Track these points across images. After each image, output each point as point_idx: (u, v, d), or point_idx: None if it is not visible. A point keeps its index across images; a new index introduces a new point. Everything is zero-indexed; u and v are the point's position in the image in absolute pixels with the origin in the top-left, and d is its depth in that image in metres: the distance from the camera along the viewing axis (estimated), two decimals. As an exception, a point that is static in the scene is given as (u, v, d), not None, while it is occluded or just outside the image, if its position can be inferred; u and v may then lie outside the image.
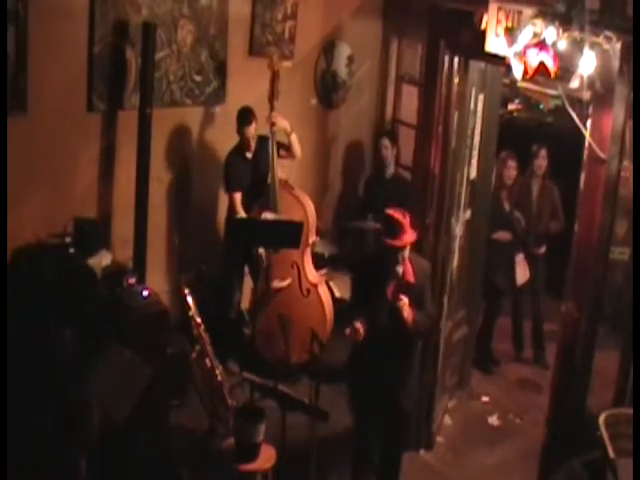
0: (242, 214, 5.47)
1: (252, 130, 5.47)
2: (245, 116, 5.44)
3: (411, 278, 4.12)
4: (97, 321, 3.82)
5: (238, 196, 5.49)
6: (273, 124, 5.41)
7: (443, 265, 5.13)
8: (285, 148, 5.59)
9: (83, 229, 4.85)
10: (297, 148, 5.63)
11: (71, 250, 4.69)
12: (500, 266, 6.16)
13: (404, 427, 4.44)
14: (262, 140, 5.57)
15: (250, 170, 5.59)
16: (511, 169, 6.14)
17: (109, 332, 4.05)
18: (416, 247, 5.20)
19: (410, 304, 4.05)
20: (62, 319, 2.98)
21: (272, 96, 5.43)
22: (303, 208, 5.59)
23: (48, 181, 4.94)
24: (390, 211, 4.08)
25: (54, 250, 3.47)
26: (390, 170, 6.24)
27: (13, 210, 4.51)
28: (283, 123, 5.50)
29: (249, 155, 5.59)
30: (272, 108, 5.44)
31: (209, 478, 4.59)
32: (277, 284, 5.58)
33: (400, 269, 4.05)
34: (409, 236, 4.03)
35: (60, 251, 3.67)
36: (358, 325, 4.02)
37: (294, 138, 5.59)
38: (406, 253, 4.05)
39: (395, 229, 3.99)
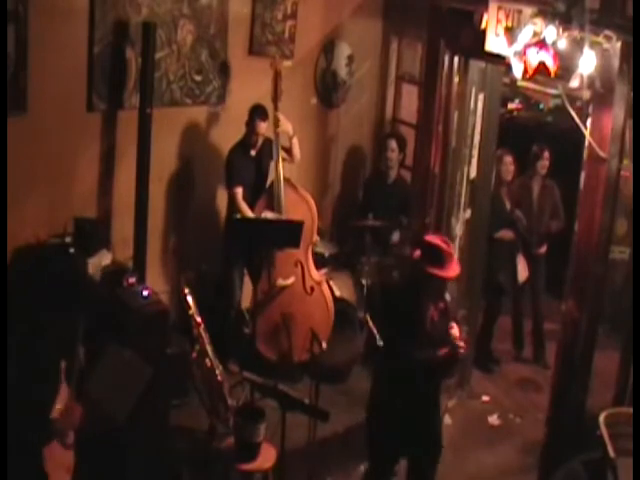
0: (244, 209, 5.47)
1: (264, 127, 5.47)
2: (260, 111, 5.42)
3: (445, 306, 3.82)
4: (94, 322, 3.83)
5: (239, 191, 5.49)
6: (277, 124, 5.41)
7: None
8: (285, 151, 5.60)
9: (83, 229, 4.84)
10: (297, 152, 5.64)
11: (71, 250, 4.69)
12: (502, 265, 6.16)
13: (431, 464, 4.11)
14: (266, 140, 5.57)
15: (252, 168, 5.59)
16: (508, 165, 6.14)
17: (109, 332, 4.06)
18: None
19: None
20: (51, 319, 2.98)
21: (275, 96, 5.43)
22: (307, 206, 5.59)
23: (48, 181, 4.94)
24: (432, 238, 3.68)
25: (47, 251, 3.46)
26: (393, 173, 6.22)
27: (13, 210, 4.51)
28: (287, 125, 5.51)
29: (253, 153, 5.58)
30: (275, 108, 5.44)
31: (209, 478, 4.59)
32: (281, 282, 5.59)
33: (443, 304, 3.71)
34: (457, 266, 3.65)
35: (51, 251, 3.65)
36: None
37: (295, 142, 5.59)
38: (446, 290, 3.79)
39: (442, 258, 3.56)
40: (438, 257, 3.55)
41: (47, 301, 3.01)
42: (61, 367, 3.14)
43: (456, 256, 3.76)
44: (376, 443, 4.00)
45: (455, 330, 3.65)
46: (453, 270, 3.59)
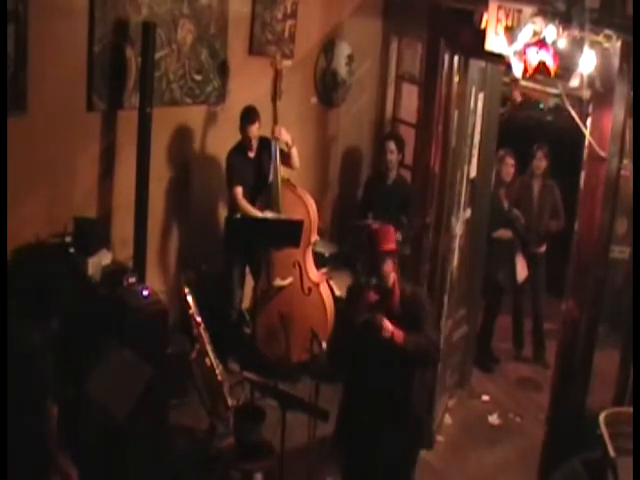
0: (246, 207, 5.47)
1: (255, 130, 5.47)
2: (248, 115, 5.44)
3: (396, 304, 3.77)
4: (86, 322, 3.83)
5: (239, 190, 5.49)
6: (277, 138, 5.43)
7: (443, 264, 5.13)
8: (284, 157, 5.59)
9: (83, 229, 4.84)
10: (296, 160, 5.64)
11: (71, 250, 4.69)
12: (502, 264, 6.17)
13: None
14: (264, 141, 5.57)
15: (251, 169, 5.59)
16: (509, 166, 6.15)
17: (109, 332, 4.07)
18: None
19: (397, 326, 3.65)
20: (35, 319, 2.98)
21: (275, 96, 5.44)
22: (305, 207, 5.60)
23: (48, 181, 4.94)
24: (372, 224, 3.96)
25: (47, 250, 3.46)
26: (392, 174, 6.22)
27: (13, 210, 4.51)
28: (286, 137, 5.51)
29: (251, 155, 5.59)
30: (275, 108, 5.44)
31: (209, 478, 4.59)
32: (279, 282, 5.59)
33: (375, 280, 3.73)
34: (388, 244, 3.78)
35: (51, 251, 3.66)
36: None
37: (294, 152, 5.59)
38: (387, 267, 3.75)
39: (372, 239, 3.81)
40: (373, 237, 3.81)
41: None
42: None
43: (394, 239, 3.87)
44: (345, 443, 3.99)
45: (379, 316, 3.64)
46: (380, 246, 3.76)
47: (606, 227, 4.24)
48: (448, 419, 5.51)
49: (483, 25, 4.30)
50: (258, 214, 5.46)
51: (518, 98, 7.13)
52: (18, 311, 2.95)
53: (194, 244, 5.84)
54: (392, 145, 6.17)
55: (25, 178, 4.73)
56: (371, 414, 3.79)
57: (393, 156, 6.17)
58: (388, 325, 3.61)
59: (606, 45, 3.85)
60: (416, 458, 4.01)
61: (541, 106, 7.58)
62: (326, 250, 6.18)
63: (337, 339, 4.02)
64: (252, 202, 5.55)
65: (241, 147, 5.57)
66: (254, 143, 5.54)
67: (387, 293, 3.78)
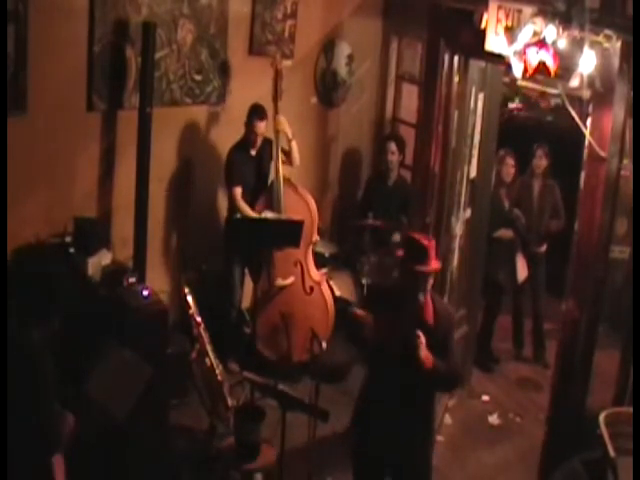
0: (244, 208, 5.47)
1: (262, 127, 5.47)
2: (257, 112, 5.43)
3: (430, 319, 3.64)
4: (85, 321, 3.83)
5: (239, 190, 5.49)
6: (277, 123, 5.41)
7: (443, 264, 5.13)
8: (285, 154, 5.59)
9: (83, 229, 4.84)
10: (296, 156, 5.63)
11: (71, 250, 4.69)
12: (502, 264, 6.17)
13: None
14: (266, 141, 5.57)
15: (252, 168, 5.59)
16: (509, 167, 6.16)
17: (109, 332, 4.07)
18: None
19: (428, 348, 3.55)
20: (36, 319, 2.98)
21: (275, 96, 5.44)
22: (307, 206, 5.60)
23: (48, 181, 4.94)
24: (415, 235, 3.71)
25: (47, 250, 3.46)
26: (393, 175, 6.23)
27: (13, 210, 4.51)
28: (286, 127, 5.51)
29: (253, 152, 5.59)
30: (276, 107, 5.44)
31: (209, 478, 4.59)
32: (280, 282, 5.59)
33: (422, 297, 3.60)
34: (435, 263, 3.64)
35: (51, 251, 3.65)
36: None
37: (294, 146, 5.59)
38: (429, 285, 3.62)
39: (422, 254, 3.58)
40: (418, 252, 3.60)
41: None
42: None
43: (436, 254, 3.69)
44: (359, 456, 3.92)
45: (422, 339, 3.54)
46: (428, 265, 3.59)
47: (606, 227, 4.24)
48: (448, 419, 5.51)
49: (483, 25, 4.30)
50: (255, 216, 5.46)
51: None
52: (18, 311, 2.95)
53: (194, 244, 5.84)
54: (393, 146, 6.17)
55: (25, 178, 4.73)
56: (390, 404, 3.67)
57: (394, 157, 6.18)
58: (424, 347, 3.52)
59: (606, 45, 3.85)
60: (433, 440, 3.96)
61: (540, 106, 7.58)
62: (326, 250, 6.18)
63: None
64: (253, 201, 5.55)
65: (243, 144, 5.56)
66: (259, 140, 5.53)
67: (421, 307, 3.64)
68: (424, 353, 3.51)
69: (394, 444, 3.72)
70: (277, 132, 5.47)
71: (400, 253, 3.73)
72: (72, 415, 3.15)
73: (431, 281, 3.63)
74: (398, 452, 3.75)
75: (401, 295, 3.66)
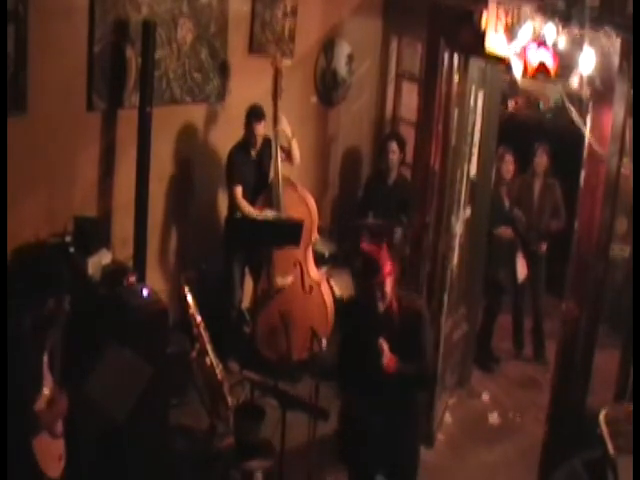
0: (245, 206, 5.47)
1: (261, 128, 5.47)
2: (256, 112, 5.44)
3: (395, 319, 3.71)
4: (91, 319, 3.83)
5: (239, 190, 5.50)
6: (277, 122, 5.41)
7: (443, 263, 5.13)
8: (285, 153, 5.60)
9: (83, 228, 4.83)
10: (297, 154, 5.64)
11: (71, 249, 4.69)
12: (502, 263, 6.17)
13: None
14: (266, 140, 5.57)
15: (253, 168, 5.60)
16: (509, 163, 6.15)
17: (109, 332, 4.06)
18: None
19: (393, 349, 3.61)
20: (27, 302, 3.00)
21: (275, 95, 5.43)
22: (307, 205, 5.60)
23: (48, 181, 4.94)
24: (364, 248, 3.79)
25: (47, 250, 3.47)
26: (394, 174, 6.23)
27: (13, 210, 4.51)
28: (286, 126, 5.51)
29: (253, 153, 5.59)
30: (275, 107, 5.44)
31: (209, 478, 4.59)
32: (280, 281, 5.59)
33: (382, 306, 3.67)
34: (387, 267, 3.65)
35: (51, 251, 3.67)
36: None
37: (295, 144, 5.60)
38: (387, 290, 3.66)
39: (371, 266, 3.64)
40: (367, 266, 3.65)
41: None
42: (43, 359, 3.14)
43: (388, 258, 3.69)
44: (348, 454, 3.99)
45: (381, 344, 3.60)
46: (378, 277, 3.63)
47: (606, 226, 4.24)
48: (448, 418, 5.51)
49: (483, 24, 4.30)
50: (257, 214, 5.46)
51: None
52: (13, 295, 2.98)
53: (194, 244, 5.84)
54: (394, 145, 6.17)
55: (25, 178, 4.73)
56: (369, 403, 3.78)
57: (395, 156, 6.18)
58: (387, 354, 3.59)
59: (606, 43, 3.84)
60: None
61: (541, 105, 7.58)
62: (326, 250, 6.18)
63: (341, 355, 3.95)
64: (253, 201, 5.55)
65: (243, 145, 5.57)
66: (259, 141, 5.54)
67: (387, 309, 3.71)
68: (386, 360, 3.59)
69: (379, 441, 3.79)
70: (277, 131, 5.47)
71: (357, 266, 3.78)
72: (65, 397, 3.17)
73: (389, 285, 3.66)
74: (384, 449, 3.81)
75: (362, 306, 3.73)
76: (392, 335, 3.65)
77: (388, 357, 3.59)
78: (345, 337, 3.94)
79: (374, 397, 3.74)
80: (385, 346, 3.60)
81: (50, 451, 3.16)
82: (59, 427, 3.21)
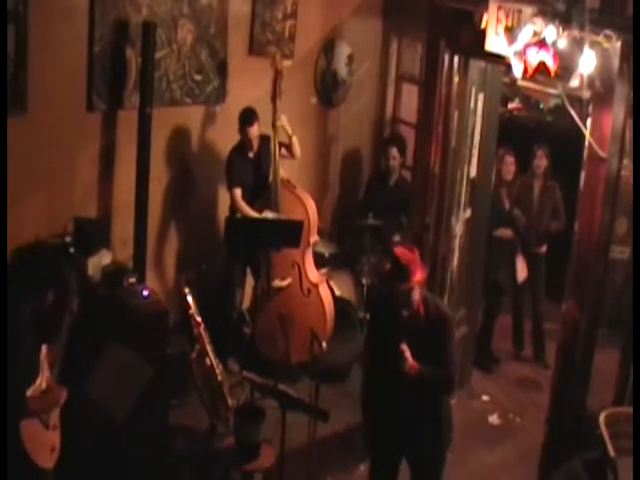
0: (244, 208, 5.48)
1: (254, 131, 5.48)
2: (247, 117, 5.44)
3: (421, 322, 3.68)
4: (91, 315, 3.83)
5: (238, 192, 5.50)
6: (277, 119, 5.41)
7: (443, 264, 5.13)
8: (286, 147, 5.60)
9: (83, 229, 4.84)
10: (297, 149, 5.65)
11: (71, 250, 4.69)
12: (502, 264, 6.17)
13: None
14: (264, 139, 5.57)
15: (252, 169, 5.60)
16: (509, 165, 6.15)
17: (109, 332, 4.07)
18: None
19: (414, 354, 3.60)
20: (26, 294, 3.01)
21: (275, 96, 5.43)
22: (305, 207, 5.59)
23: (48, 181, 4.94)
24: (398, 251, 3.66)
25: (47, 250, 3.48)
26: (394, 176, 6.23)
27: (13, 210, 4.52)
28: (286, 124, 5.51)
29: (251, 155, 5.59)
30: (275, 108, 5.44)
31: (209, 478, 4.59)
32: (278, 283, 5.58)
33: (406, 313, 3.64)
34: (419, 273, 3.62)
35: (51, 251, 3.68)
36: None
37: (295, 140, 5.60)
38: (415, 297, 3.63)
39: (403, 272, 3.58)
40: (399, 270, 3.59)
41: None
42: (40, 349, 3.15)
43: (420, 263, 3.67)
44: (371, 440, 4.00)
45: (403, 349, 3.60)
46: (410, 282, 3.59)
47: (606, 227, 4.24)
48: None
49: (483, 25, 4.31)
50: (256, 216, 5.46)
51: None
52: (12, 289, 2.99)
53: (194, 244, 5.84)
54: (395, 151, 6.16)
55: (25, 178, 4.73)
56: (393, 396, 3.77)
57: (396, 162, 6.18)
58: (409, 359, 3.58)
59: (606, 45, 3.85)
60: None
61: (541, 106, 7.58)
62: (326, 250, 6.17)
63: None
64: (251, 202, 5.55)
65: (241, 147, 5.57)
66: (255, 143, 5.54)
67: (413, 313, 3.68)
68: (408, 365, 3.58)
69: (404, 429, 3.77)
70: (275, 128, 5.47)
71: (386, 268, 3.74)
72: (64, 390, 3.17)
73: (417, 293, 3.63)
74: (409, 436, 3.80)
75: (391, 308, 3.70)
76: (416, 339, 3.62)
77: (410, 363, 3.58)
78: (370, 334, 4.00)
79: (398, 391, 3.72)
80: (407, 352, 3.59)
81: (42, 440, 3.15)
82: (53, 418, 3.20)
